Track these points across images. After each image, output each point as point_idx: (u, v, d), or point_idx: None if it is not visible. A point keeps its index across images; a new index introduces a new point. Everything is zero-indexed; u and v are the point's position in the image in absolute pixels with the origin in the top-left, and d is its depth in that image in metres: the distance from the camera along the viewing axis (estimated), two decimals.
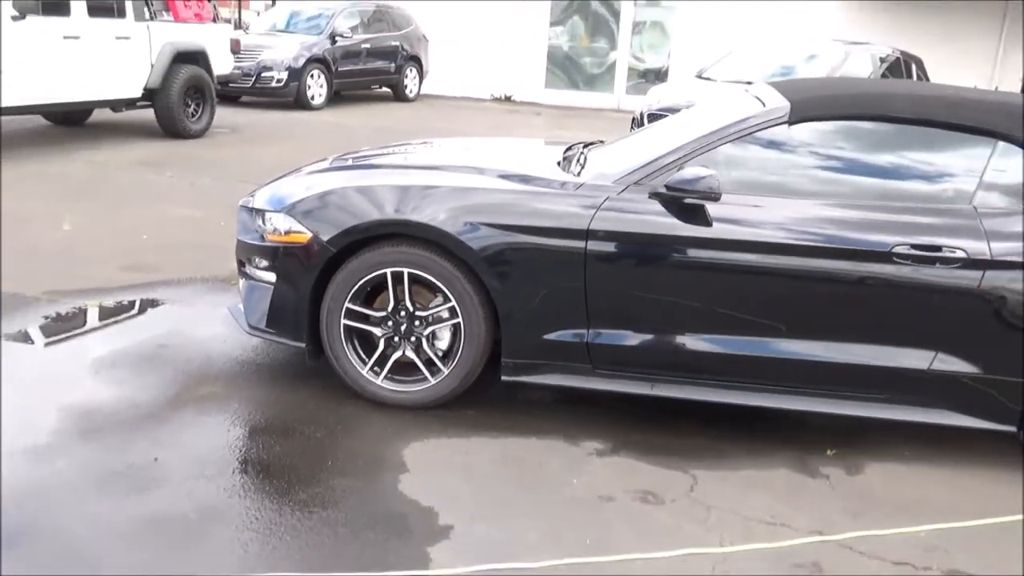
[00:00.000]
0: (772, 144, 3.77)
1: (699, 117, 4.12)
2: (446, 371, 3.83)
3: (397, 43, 17.09)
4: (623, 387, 3.77)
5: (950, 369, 3.57)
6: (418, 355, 3.85)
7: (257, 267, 4.03)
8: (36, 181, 8.17)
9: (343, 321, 3.83)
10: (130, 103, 10.51)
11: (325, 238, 3.76)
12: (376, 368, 3.88)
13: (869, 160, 3.76)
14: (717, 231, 3.61)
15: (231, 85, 14.18)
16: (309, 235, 3.80)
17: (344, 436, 3.65)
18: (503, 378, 3.82)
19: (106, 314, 4.93)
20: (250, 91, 14.73)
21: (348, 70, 16.01)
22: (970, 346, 3.55)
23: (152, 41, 10.38)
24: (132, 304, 5.09)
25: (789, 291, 3.64)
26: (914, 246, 3.50)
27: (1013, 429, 3.59)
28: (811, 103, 3.81)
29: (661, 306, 3.71)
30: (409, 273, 3.75)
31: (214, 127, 11.57)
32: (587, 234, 3.63)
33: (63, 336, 4.62)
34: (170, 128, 10.74)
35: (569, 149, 4.51)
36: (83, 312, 4.91)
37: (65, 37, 9.31)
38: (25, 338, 4.51)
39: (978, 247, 3.47)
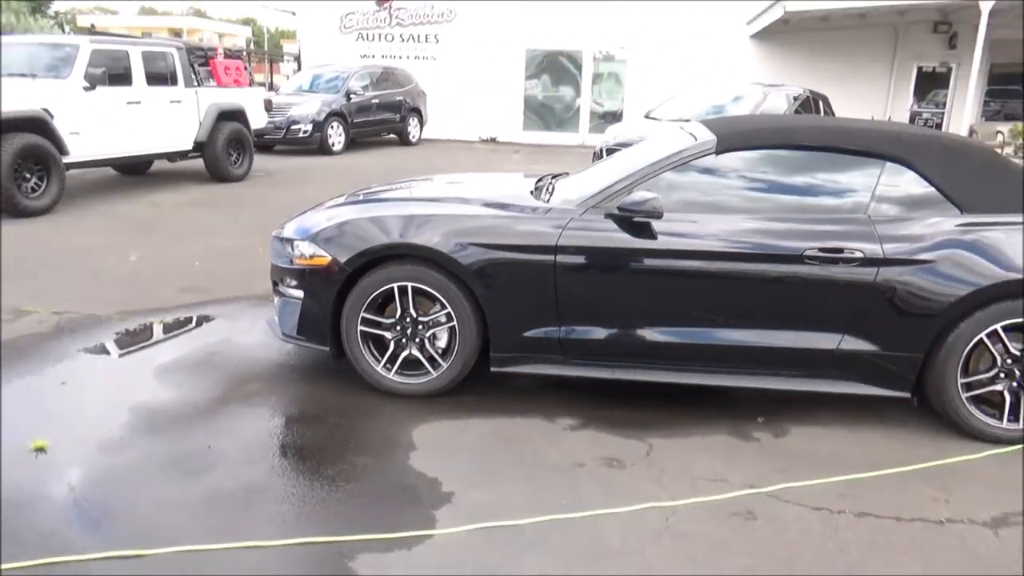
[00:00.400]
0: (704, 171, 3.78)
1: (644, 151, 4.13)
2: (445, 365, 3.82)
3: (401, 98, 17.07)
4: (591, 373, 3.76)
5: (855, 348, 3.58)
6: (422, 353, 3.84)
7: (288, 286, 4.01)
8: (107, 220, 8.12)
9: (360, 328, 3.82)
10: (183, 155, 10.47)
11: (342, 260, 3.76)
12: (388, 365, 3.86)
13: (783, 181, 3.77)
14: (662, 243, 3.62)
15: (266, 137, 14.17)
16: (329, 258, 3.79)
17: (363, 422, 3.63)
18: (492, 369, 3.81)
19: (166, 329, 4.90)
20: (282, 141, 14.69)
21: (361, 121, 15.98)
22: (870, 329, 3.56)
23: (200, 103, 10.35)
24: (188, 320, 5.06)
25: (723, 289, 3.65)
26: (821, 249, 3.50)
27: (907, 395, 3.60)
28: (734, 136, 3.82)
29: (619, 305, 3.71)
30: (412, 286, 3.75)
31: (253, 172, 11.53)
32: (556, 249, 3.63)
33: (133, 348, 4.59)
34: (216, 174, 10.71)
35: (540, 180, 4.50)
36: (148, 328, 4.88)
37: (128, 103, 9.27)
38: (102, 350, 4.48)
39: (873, 248, 3.48)
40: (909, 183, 3.65)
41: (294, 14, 19.90)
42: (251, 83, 12.20)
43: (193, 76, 10.33)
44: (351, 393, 3.90)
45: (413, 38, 19.10)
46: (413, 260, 3.75)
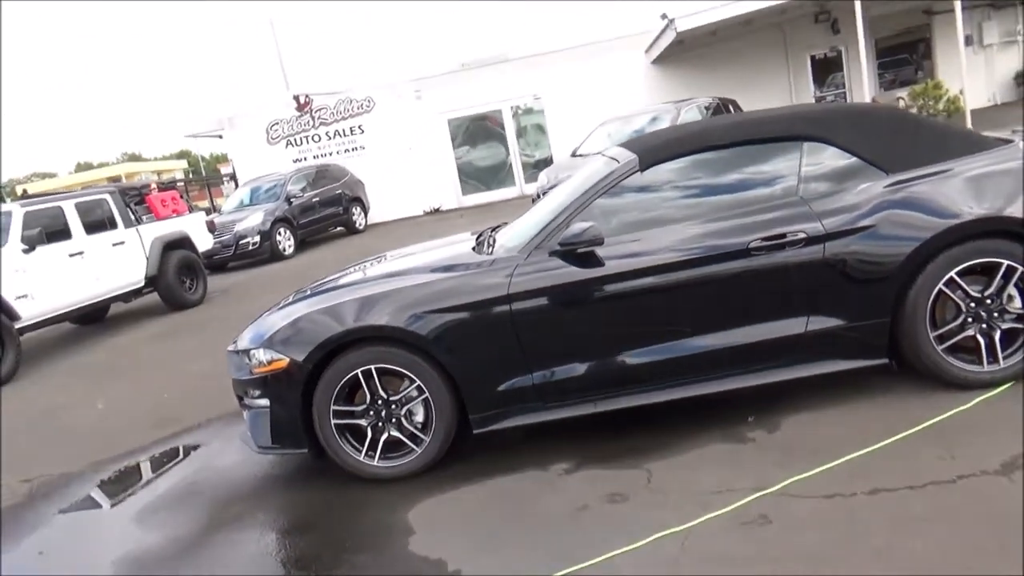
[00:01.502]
0: (634, 190, 3.68)
1: (573, 184, 4.02)
2: (427, 439, 3.60)
3: (340, 191, 17.01)
4: (572, 412, 3.57)
5: (822, 327, 3.45)
6: (401, 432, 3.62)
7: (253, 397, 3.78)
8: (68, 374, 7.79)
9: (333, 422, 3.59)
10: (137, 292, 10.17)
11: (300, 358, 3.55)
12: (370, 452, 3.63)
13: (713, 182, 3.68)
14: (610, 267, 3.49)
15: (216, 257, 13.95)
16: (287, 359, 3.58)
17: (356, 516, 3.39)
18: (475, 431, 3.60)
19: (142, 471, 4.60)
20: (233, 257, 14.45)
21: (307, 221, 15.84)
22: (832, 305, 3.44)
23: (143, 239, 10.11)
24: (163, 455, 4.77)
25: (680, 299, 3.51)
26: (764, 239, 3.40)
27: (884, 360, 3.47)
28: (653, 150, 3.74)
29: (583, 338, 3.55)
30: (375, 368, 3.55)
31: (209, 293, 11.25)
32: (508, 298, 3.48)
33: (111, 499, 4.29)
34: (173, 303, 10.42)
35: (480, 235, 4.37)
36: (124, 474, 4.58)
37: (71, 255, 9.01)
38: (78, 507, 4.18)
39: (813, 227, 3.39)
40: (831, 157, 3.59)
41: (220, 137, 19.86)
42: (190, 209, 12.00)
43: (131, 215, 10.12)
44: (338, 489, 3.66)
45: (339, 133, 19.14)
46: (371, 342, 3.56)
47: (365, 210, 17.90)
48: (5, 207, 8.84)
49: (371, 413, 3.61)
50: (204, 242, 11.38)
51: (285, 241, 14.97)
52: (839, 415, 3.43)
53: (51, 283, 8.62)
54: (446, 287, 3.57)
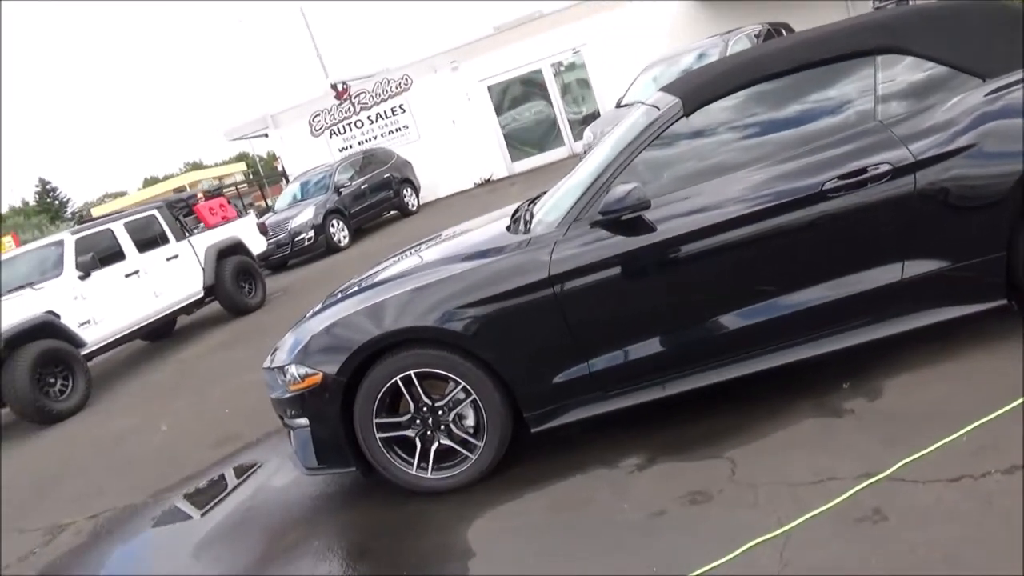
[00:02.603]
0: (680, 138, 3.20)
1: (611, 142, 3.55)
2: (481, 444, 3.25)
3: (388, 174, 16.77)
4: (638, 398, 3.16)
5: (921, 271, 2.93)
6: (452, 439, 3.29)
7: (292, 416, 3.50)
8: (136, 395, 7.78)
9: (378, 436, 3.28)
10: (198, 303, 10.17)
11: (334, 371, 3.24)
12: (423, 464, 3.31)
13: (771, 118, 3.16)
14: (663, 232, 3.04)
15: (274, 257, 13.96)
16: (320, 374, 3.28)
17: (412, 539, 3.08)
18: (532, 431, 3.24)
19: (198, 499, 4.41)
20: (291, 255, 14.41)
21: (359, 209, 15.67)
22: (931, 244, 2.92)
23: (196, 250, 10.07)
24: (220, 479, 4.58)
25: (748, 258, 3.04)
26: (841, 176, 2.89)
27: (1003, 301, 2.93)
28: (696, 91, 3.23)
29: (642, 315, 3.13)
30: (415, 373, 3.21)
31: (270, 294, 11.19)
32: (550, 281, 3.07)
33: (169, 530, 4.12)
34: (234, 309, 10.38)
35: (516, 211, 3.96)
36: (177, 510, 4.39)
37: (127, 275, 9.00)
38: (138, 545, 4.02)
39: (899, 155, 2.86)
40: (911, 69, 3.03)
41: (266, 136, 19.87)
42: (240, 214, 11.93)
43: (182, 228, 10.08)
44: (394, 506, 3.36)
45: (381, 115, 18.87)
46: (406, 346, 3.22)
47: (416, 190, 17.63)
48: (56, 236, 8.89)
49: (417, 422, 3.29)
50: (258, 244, 11.30)
51: (339, 232, 14.84)
52: (953, 373, 2.92)
53: (111, 306, 8.63)
54: (480, 277, 3.19)
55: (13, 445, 7.29)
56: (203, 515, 4.11)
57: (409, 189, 17.36)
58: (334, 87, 18.79)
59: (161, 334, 10.80)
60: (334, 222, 14.82)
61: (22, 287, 8.32)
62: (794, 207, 2.95)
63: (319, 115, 19.05)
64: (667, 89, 3.48)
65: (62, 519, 4.73)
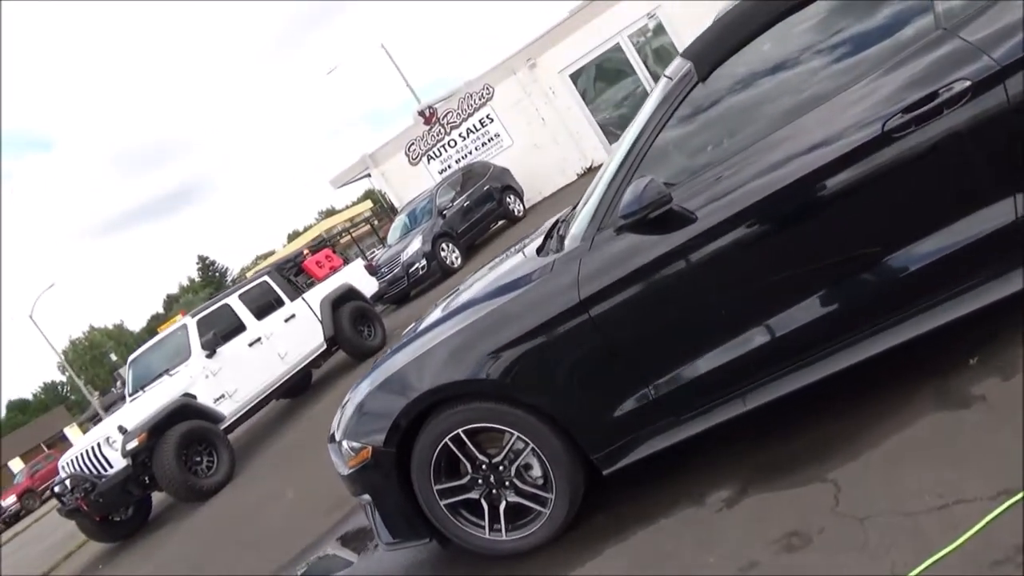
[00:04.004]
0: (700, 109, 2.68)
1: (631, 128, 3.07)
2: (552, 496, 2.88)
3: (488, 186, 16.60)
4: (716, 419, 2.67)
5: None
6: (521, 495, 2.94)
7: (356, 493, 3.28)
8: (273, 458, 7.98)
9: (442, 503, 2.99)
10: (324, 355, 10.42)
11: (380, 443, 2.98)
12: (495, 526, 2.98)
13: (804, 62, 2.58)
14: (705, 219, 2.55)
15: (393, 293, 14.16)
16: (369, 448, 3.03)
17: None
18: (604, 473, 2.82)
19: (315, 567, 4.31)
20: (410, 287, 14.57)
21: (466, 227, 15.60)
22: None
23: (311, 305, 10.31)
24: (327, 557, 4.46)
25: (813, 234, 2.50)
26: (907, 109, 2.28)
27: None
28: (708, 50, 2.69)
29: (699, 321, 2.65)
30: (464, 431, 2.89)
31: (390, 331, 11.28)
32: (583, 306, 2.65)
33: None
34: (357, 354, 10.50)
35: (552, 227, 3.54)
36: None
37: (250, 344, 9.33)
38: None
39: (979, 65, 2.22)
40: None
41: (369, 176, 20.32)
42: (345, 262, 12.14)
43: (293, 287, 10.35)
44: (483, 570, 3.04)
45: (471, 130, 18.78)
46: (449, 404, 2.90)
47: (519, 195, 17.37)
48: (179, 322, 9.35)
49: (479, 482, 2.96)
50: (369, 286, 11.45)
51: (451, 255, 14.83)
52: None
53: (240, 377, 8.96)
54: (506, 314, 2.82)
55: (172, 527, 7.67)
56: None
57: (512, 195, 17.13)
58: (421, 113, 18.91)
59: (299, 390, 11.16)
60: (444, 245, 14.82)
61: (159, 376, 8.81)
62: (856, 157, 2.37)
63: (413, 144, 19.25)
64: (682, 54, 2.95)
65: None
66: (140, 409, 8.21)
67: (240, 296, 9.70)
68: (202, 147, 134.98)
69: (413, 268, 14.44)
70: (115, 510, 8.23)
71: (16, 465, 35.88)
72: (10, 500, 29.52)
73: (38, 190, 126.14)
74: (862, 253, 2.48)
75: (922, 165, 2.32)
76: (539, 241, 3.37)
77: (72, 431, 38.27)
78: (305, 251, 11.36)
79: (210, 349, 8.81)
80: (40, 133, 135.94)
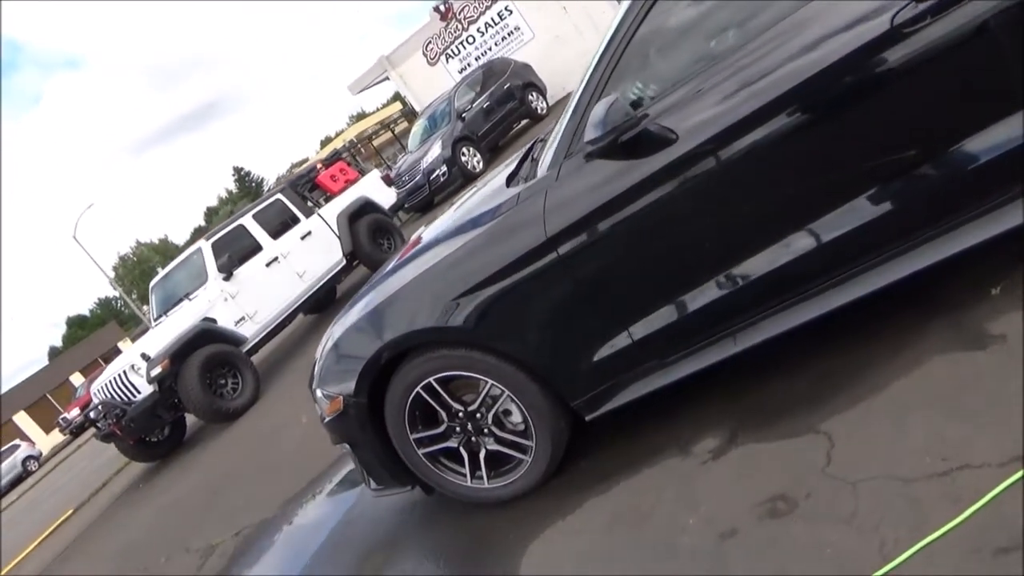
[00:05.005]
0: (671, 10, 2.30)
1: (604, 38, 2.68)
2: (533, 444, 2.70)
3: (508, 84, 15.90)
4: (704, 361, 2.41)
5: None
6: (501, 443, 2.77)
7: (335, 442, 3.15)
8: (298, 379, 8.00)
9: (420, 452, 2.84)
10: (345, 270, 10.31)
11: (351, 392, 2.81)
12: (478, 473, 2.83)
13: None
14: (688, 138, 2.22)
15: (417, 201, 13.91)
16: (340, 398, 2.87)
17: (470, 566, 2.65)
18: (587, 419, 2.62)
19: (311, 513, 4.29)
20: (432, 194, 14.27)
21: (487, 129, 15.06)
22: None
23: (328, 221, 10.13)
24: (333, 489, 4.42)
25: (810, 147, 2.16)
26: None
27: None
28: None
29: (683, 256, 2.36)
30: (436, 380, 2.69)
31: None
32: (551, 243, 2.38)
33: (281, 549, 4.06)
34: (376, 268, 10.38)
35: (527, 151, 3.21)
36: (297, 518, 4.31)
37: (267, 264, 9.25)
38: (259, 570, 3.99)
39: None
40: None
41: (388, 79, 19.65)
42: (361, 173, 11.84)
43: (307, 203, 10.16)
44: (464, 523, 2.93)
45: (489, 24, 17.90)
46: (417, 351, 2.69)
47: (542, 92, 16.64)
48: (194, 247, 9.27)
49: (457, 430, 2.80)
50: (387, 198, 11.20)
51: (472, 159, 14.39)
52: None
53: (260, 298, 8.93)
54: (471, 253, 2.56)
55: (197, 453, 7.85)
56: (312, 533, 3.98)
57: (534, 93, 16.42)
58: (436, 10, 18.05)
59: (324, 305, 11.15)
60: (464, 150, 14.37)
61: (179, 301, 8.82)
62: (860, 57, 2.00)
63: (430, 43, 18.48)
64: None
65: (214, 538, 4.88)
66: (163, 335, 8.27)
67: (255, 216, 9.54)
68: (231, 58, 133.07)
69: (434, 175, 14.09)
70: (148, 432, 8.44)
71: (77, 380, 37.60)
72: (75, 412, 31.10)
73: (72, 109, 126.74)
74: (870, 171, 2.14)
75: (937, 64, 1.94)
76: (512, 168, 3.06)
77: (125, 345, 39.77)
78: (319, 165, 11.09)
79: (227, 272, 8.75)
80: (69, 52, 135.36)
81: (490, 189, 3.02)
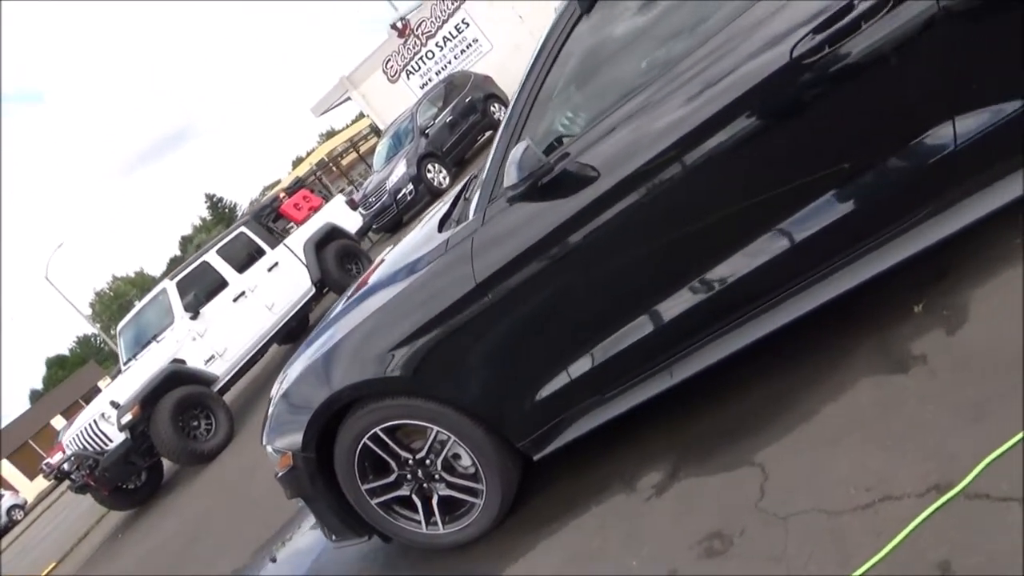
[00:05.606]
0: (593, 44, 2.31)
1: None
2: (484, 486, 2.70)
3: (470, 97, 15.91)
4: (644, 394, 2.42)
5: (981, 123, 1.91)
6: (452, 487, 2.76)
7: (289, 497, 3.13)
8: None
9: (373, 503, 2.83)
10: (315, 299, 10.24)
11: (299, 448, 2.79)
12: (432, 520, 2.82)
13: None
14: (609, 176, 2.23)
15: (385, 222, 13.88)
16: (289, 454, 2.85)
17: None
18: (534, 459, 2.62)
19: (286, 554, 4.26)
20: (400, 213, 14.23)
21: (451, 144, 15.05)
22: (989, 81, 1.88)
23: (294, 250, 10.07)
24: (302, 536, 4.40)
25: (725, 180, 2.17)
26: (816, 29, 1.91)
27: None
28: None
29: (613, 292, 2.37)
30: (382, 430, 2.68)
31: None
32: (482, 287, 2.38)
33: None
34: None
35: (461, 190, 3.22)
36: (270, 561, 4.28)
37: (234, 300, 9.17)
38: None
39: None
40: None
41: (350, 99, 19.62)
42: (326, 200, 11.79)
43: (272, 234, 10.09)
44: (425, 569, 2.92)
45: (447, 38, 17.94)
46: (359, 403, 2.68)
47: (504, 102, 16.66)
48: (159, 287, 9.19)
49: (408, 478, 2.78)
50: (353, 222, 11.16)
51: (438, 175, 14.37)
52: None
53: (229, 334, 8.85)
54: (405, 303, 2.56)
55: (175, 497, 7.77)
56: None
57: (496, 103, 16.43)
58: (394, 27, 18.05)
59: (297, 333, 11.06)
60: (430, 166, 14.35)
61: (147, 343, 8.74)
62: (764, 91, 2.02)
63: (390, 60, 18.48)
64: None
65: None
66: (132, 380, 8.18)
67: (219, 251, 9.46)
68: (196, 84, 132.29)
69: (401, 194, 14.05)
70: (124, 480, 8.33)
71: (59, 423, 37.10)
72: (57, 457, 30.66)
73: (36, 145, 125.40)
74: (786, 200, 2.16)
75: (843, 87, 1.97)
76: (447, 208, 3.06)
77: (104, 384, 39.27)
78: (281, 195, 11.03)
79: (193, 311, 8.67)
80: (29, 87, 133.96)
81: (421, 235, 3.02)
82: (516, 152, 2.18)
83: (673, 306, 2.32)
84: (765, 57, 1.98)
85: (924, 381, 1.90)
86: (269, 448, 2.97)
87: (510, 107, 2.41)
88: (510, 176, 2.21)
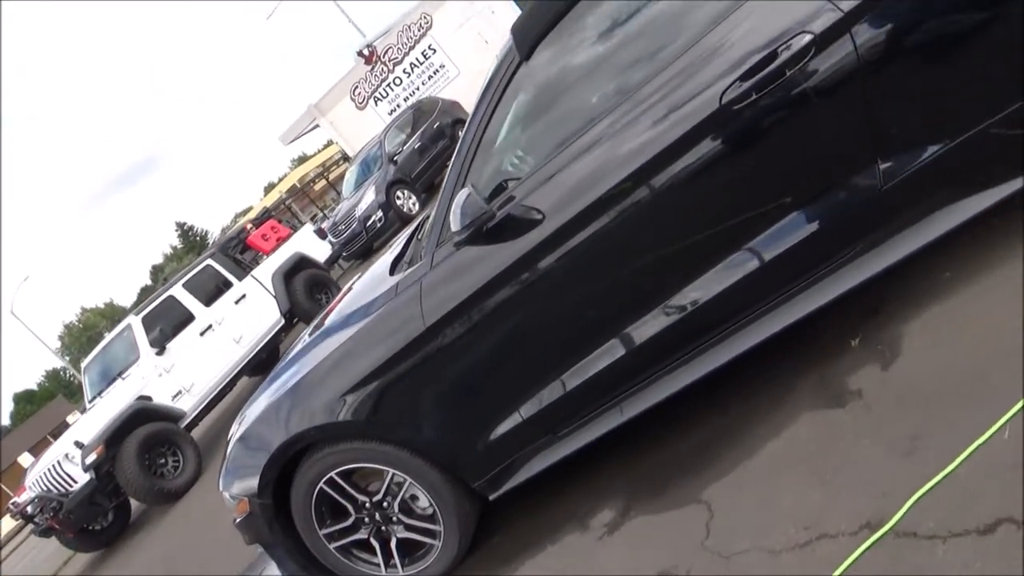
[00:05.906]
0: (533, 92, 2.36)
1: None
2: (442, 527, 2.70)
3: (437, 122, 15.99)
4: (595, 432, 2.44)
5: (906, 165, 1.98)
6: (410, 529, 2.75)
7: (248, 543, 3.10)
8: None
9: (331, 548, 2.81)
10: (284, 329, 10.17)
11: (255, 494, 2.77)
12: (392, 562, 2.81)
13: (626, 32, 2.25)
14: (554, 218, 2.27)
15: (356, 249, 13.84)
16: (245, 500, 2.83)
17: None
18: (490, 498, 2.63)
19: None
20: (370, 240, 14.21)
21: (420, 170, 15.08)
22: (910, 125, 1.95)
23: (262, 282, 10.00)
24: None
25: (662, 224, 2.22)
26: (743, 77, 1.97)
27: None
28: (524, 28, 2.36)
29: (563, 330, 2.40)
30: (337, 474, 2.68)
31: None
32: (432, 331, 2.40)
33: None
34: None
35: (413, 232, 3.25)
36: None
37: (201, 334, 9.08)
38: None
39: (821, 16, 1.89)
40: None
41: (318, 127, 19.63)
42: (293, 229, 11.75)
43: (240, 266, 10.03)
44: None
45: (414, 64, 18.05)
46: (312, 448, 2.68)
47: None
48: (123, 323, 9.08)
49: (366, 521, 2.77)
50: (321, 251, 11.12)
51: (407, 202, 14.38)
52: (985, 302, 1.97)
53: (196, 369, 8.75)
54: (355, 347, 2.57)
55: (142, 537, 7.63)
56: None
57: (463, 128, 16.55)
58: (360, 54, 18.14)
59: (267, 365, 10.94)
60: (399, 193, 14.36)
61: (113, 381, 8.61)
62: (697, 136, 2.07)
63: (357, 87, 18.54)
64: (512, 26, 2.58)
65: None
66: (96, 418, 8.05)
67: (184, 285, 9.37)
68: (165, 113, 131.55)
69: (370, 221, 14.02)
70: (89, 522, 8.17)
71: (26, 460, 36.28)
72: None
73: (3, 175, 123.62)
74: (726, 238, 2.21)
75: (773, 133, 2.03)
76: (398, 251, 3.08)
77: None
78: (248, 226, 10.98)
79: (159, 346, 8.58)
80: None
81: (371, 277, 3.04)
82: (459, 199, 2.21)
83: (620, 343, 2.35)
84: (696, 103, 2.03)
85: (860, 415, 1.95)
86: (226, 494, 2.95)
87: (455, 153, 2.44)
88: (455, 222, 2.24)
